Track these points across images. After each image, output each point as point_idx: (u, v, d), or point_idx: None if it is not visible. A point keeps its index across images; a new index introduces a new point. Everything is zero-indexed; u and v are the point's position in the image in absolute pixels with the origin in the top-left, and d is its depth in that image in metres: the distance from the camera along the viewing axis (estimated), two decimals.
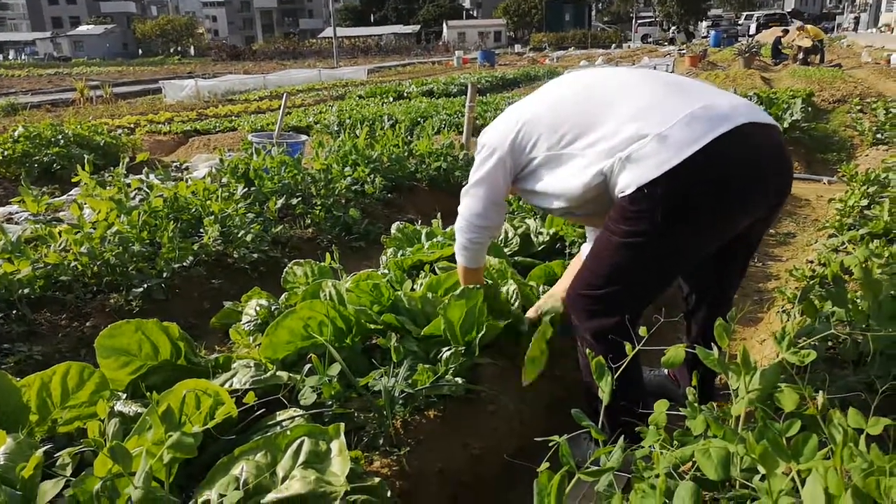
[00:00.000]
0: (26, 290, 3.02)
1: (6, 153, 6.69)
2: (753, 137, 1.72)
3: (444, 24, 68.34)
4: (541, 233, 3.42)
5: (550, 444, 1.25)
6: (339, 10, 70.72)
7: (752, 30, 39.52)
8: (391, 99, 14.59)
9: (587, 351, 1.86)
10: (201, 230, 3.85)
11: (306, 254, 4.02)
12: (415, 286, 2.71)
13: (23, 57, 64.66)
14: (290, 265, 3.02)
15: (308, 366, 2.01)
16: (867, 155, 6.79)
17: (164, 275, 3.37)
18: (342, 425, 1.56)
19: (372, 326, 2.34)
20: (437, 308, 2.28)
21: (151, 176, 4.30)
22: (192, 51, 66.17)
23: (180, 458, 1.38)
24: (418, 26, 71.25)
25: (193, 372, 1.94)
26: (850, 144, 7.90)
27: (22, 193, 3.42)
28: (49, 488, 1.38)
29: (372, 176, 5.18)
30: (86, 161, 3.76)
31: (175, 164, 7.45)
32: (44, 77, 34.36)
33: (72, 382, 1.74)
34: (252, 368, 1.95)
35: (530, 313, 2.49)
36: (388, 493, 1.59)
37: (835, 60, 19.33)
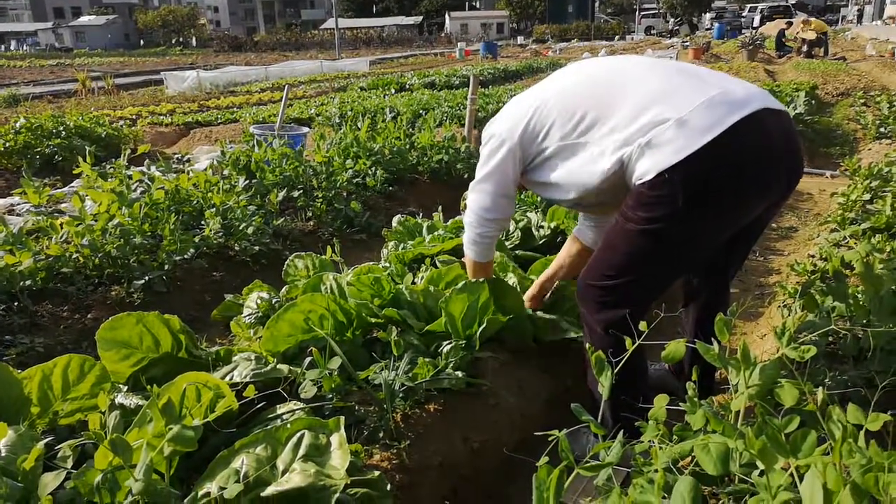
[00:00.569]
0: (28, 282, 3.02)
1: (8, 144, 6.69)
2: (768, 123, 1.74)
3: (447, 16, 68.07)
4: (542, 226, 3.41)
5: (550, 439, 1.25)
6: (342, 1, 70.38)
7: (756, 22, 39.26)
8: (393, 91, 14.56)
9: (587, 345, 1.87)
10: (203, 222, 3.85)
11: (307, 246, 4.02)
12: (416, 280, 2.71)
13: (24, 48, 64.52)
14: (291, 258, 3.02)
15: (309, 359, 2.02)
16: (870, 149, 6.76)
17: (166, 267, 3.38)
18: (342, 419, 1.56)
19: (373, 320, 2.34)
20: (438, 302, 2.28)
21: (153, 168, 4.30)
22: (193, 41, 66.02)
23: (181, 450, 1.38)
24: (420, 17, 71.00)
25: (194, 365, 1.94)
26: (854, 138, 7.87)
27: (23, 185, 3.41)
28: (50, 480, 1.38)
29: (373, 168, 5.17)
30: (87, 153, 3.76)
31: (176, 155, 7.43)
32: (45, 68, 34.34)
33: (73, 375, 1.75)
34: (253, 361, 1.96)
35: (526, 304, 2.49)
36: (388, 487, 1.59)
37: (839, 53, 19.24)
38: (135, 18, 74.28)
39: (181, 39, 68.51)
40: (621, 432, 1.33)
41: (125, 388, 1.87)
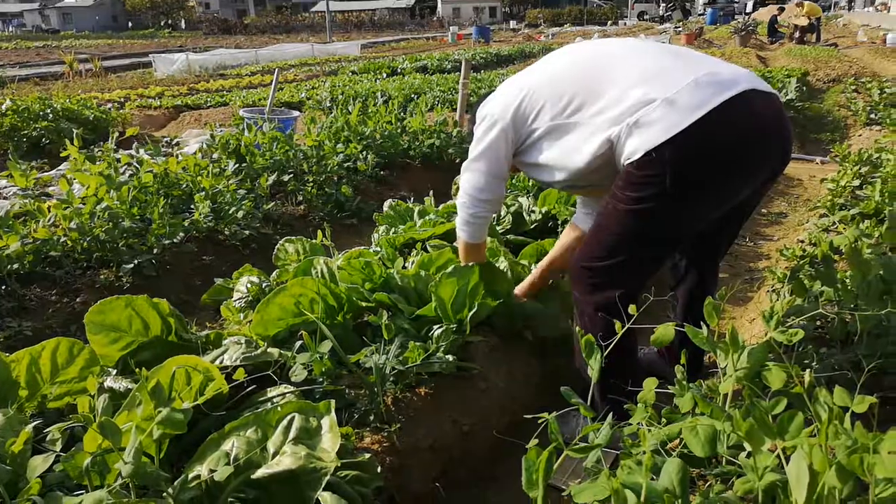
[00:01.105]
0: (16, 266, 3.00)
1: None
2: (756, 103, 1.74)
3: None
4: (533, 211, 3.41)
5: (539, 421, 1.26)
6: None
7: (749, 7, 39.19)
8: (384, 75, 14.46)
9: (577, 329, 1.87)
10: (192, 206, 3.82)
11: (298, 231, 4.00)
12: (407, 264, 2.71)
13: (10, 29, 63.60)
14: (281, 242, 3.00)
15: (299, 343, 2.02)
16: (860, 135, 6.79)
17: (155, 251, 3.36)
18: (333, 402, 1.56)
19: (363, 304, 2.34)
20: (429, 286, 2.28)
21: (141, 151, 4.26)
22: (182, 24, 65.21)
23: (170, 433, 1.38)
24: (413, 1, 70.38)
25: (184, 348, 1.93)
26: (844, 124, 7.89)
27: (10, 168, 3.37)
28: (39, 463, 1.38)
29: (364, 153, 5.14)
30: (75, 135, 3.71)
31: (166, 139, 7.38)
32: (32, 50, 33.84)
33: (61, 358, 1.73)
34: (243, 345, 1.95)
35: (517, 291, 2.50)
36: (379, 469, 1.60)
37: (831, 39, 19.24)
38: (123, 0, 73.27)
39: (170, 22, 67.64)
40: (610, 415, 1.34)
41: (114, 372, 1.86)
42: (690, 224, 1.86)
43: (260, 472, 1.42)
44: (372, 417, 1.84)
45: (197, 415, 1.58)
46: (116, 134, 4.31)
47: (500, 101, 2.01)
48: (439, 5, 67.08)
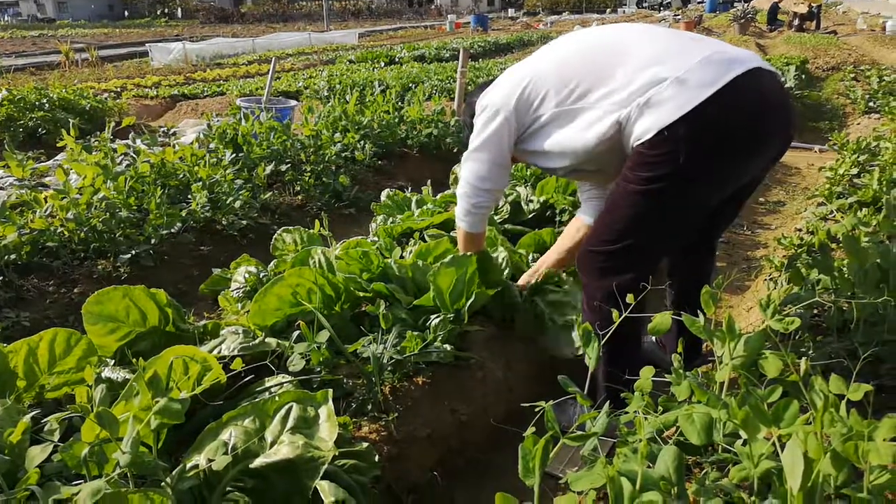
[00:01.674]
0: (13, 256, 3.00)
1: None
2: (763, 81, 1.76)
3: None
4: (531, 200, 3.41)
5: (536, 410, 1.26)
6: None
7: None
8: (382, 64, 14.39)
9: (577, 318, 1.87)
10: (189, 196, 3.82)
11: (295, 221, 4.00)
12: (404, 254, 2.70)
13: (6, 18, 63.16)
14: (279, 232, 3.00)
15: (297, 332, 2.02)
16: (859, 123, 6.78)
17: (152, 241, 3.35)
18: (330, 391, 1.57)
19: (361, 294, 2.34)
20: (426, 275, 2.28)
21: (138, 141, 4.24)
22: (179, 13, 64.75)
23: (168, 423, 1.38)
24: None
25: (181, 338, 1.94)
26: (843, 113, 7.88)
27: (6, 158, 3.36)
28: (37, 453, 1.38)
29: (362, 142, 5.13)
30: (71, 125, 3.70)
31: (162, 129, 7.35)
32: (27, 39, 33.62)
33: (59, 349, 1.74)
34: (240, 335, 1.95)
35: (521, 281, 2.50)
36: (376, 458, 1.61)
37: (830, 27, 19.17)
38: None
39: (167, 10, 67.18)
40: (607, 403, 1.34)
41: (112, 362, 1.86)
42: (699, 205, 1.86)
43: (258, 462, 1.43)
44: (370, 407, 1.85)
45: (195, 404, 1.58)
46: (113, 124, 4.29)
47: (502, 89, 2.00)
48: None
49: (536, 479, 1.15)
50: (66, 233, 3.22)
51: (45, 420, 1.56)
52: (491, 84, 2.12)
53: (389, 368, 1.97)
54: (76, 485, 1.30)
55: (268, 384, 1.78)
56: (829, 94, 8.58)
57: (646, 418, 1.22)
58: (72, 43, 19.34)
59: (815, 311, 2.14)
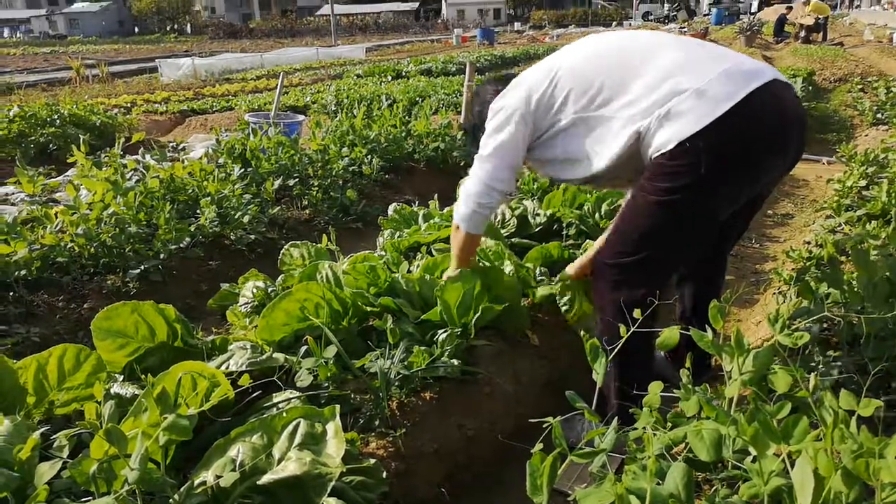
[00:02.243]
0: (23, 272, 3.02)
1: (1, 133, 6.64)
2: (781, 93, 1.79)
3: (444, 2, 67.53)
4: (538, 214, 3.41)
5: (544, 426, 1.26)
6: None
7: (755, 7, 39.12)
8: (389, 78, 14.48)
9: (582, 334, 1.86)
10: (198, 211, 3.84)
11: (303, 235, 4.01)
12: (412, 268, 2.70)
13: (18, 35, 63.94)
14: (286, 247, 3.01)
15: (304, 348, 2.02)
16: (867, 135, 6.76)
17: (161, 256, 3.37)
18: (338, 407, 1.57)
19: (368, 308, 2.34)
20: (433, 290, 2.28)
21: (148, 156, 4.28)
22: (188, 28, 65.46)
23: (176, 439, 1.38)
24: (417, 3, 70.47)
25: (190, 354, 1.94)
26: (850, 124, 7.86)
27: (18, 174, 3.40)
28: (46, 470, 1.39)
29: (369, 157, 5.15)
30: (81, 141, 3.74)
31: (172, 144, 7.41)
32: (39, 55, 34.05)
33: (68, 364, 1.74)
34: (248, 350, 1.96)
35: (570, 271, 2.44)
36: (384, 474, 1.60)
37: (837, 38, 19.17)
38: (129, 5, 73.55)
39: (176, 26, 67.95)
40: (615, 419, 1.34)
41: (121, 378, 1.87)
42: (713, 216, 1.88)
43: (266, 478, 1.43)
44: (377, 422, 1.84)
45: (203, 420, 1.58)
46: (123, 139, 4.33)
47: (518, 93, 1.99)
48: (444, 8, 67.14)
49: (545, 497, 1.15)
50: (76, 248, 3.24)
51: (54, 436, 1.56)
52: (505, 82, 2.11)
53: (397, 384, 1.97)
54: (85, 501, 1.31)
55: (275, 400, 1.78)
56: (836, 106, 8.56)
57: (654, 434, 1.21)
58: (82, 59, 19.56)
59: (825, 326, 2.13)
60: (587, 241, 3.00)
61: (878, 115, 7.39)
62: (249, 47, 33.68)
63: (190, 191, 4.06)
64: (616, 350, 1.49)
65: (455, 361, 2.09)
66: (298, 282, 2.42)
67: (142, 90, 14.56)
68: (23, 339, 2.66)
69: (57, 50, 39.01)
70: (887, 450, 0.92)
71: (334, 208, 4.49)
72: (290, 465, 1.43)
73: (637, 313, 1.45)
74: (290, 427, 1.52)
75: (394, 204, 3.60)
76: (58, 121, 7.16)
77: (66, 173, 5.63)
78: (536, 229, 3.34)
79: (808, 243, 3.37)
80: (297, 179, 4.66)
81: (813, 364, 1.79)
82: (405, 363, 2.01)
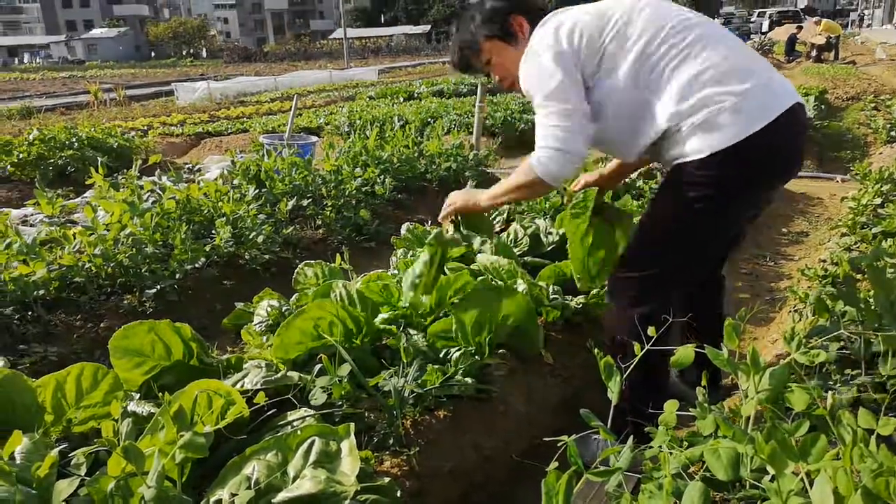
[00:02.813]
0: (41, 292, 3.05)
1: (21, 156, 6.76)
2: (800, 116, 1.84)
3: (454, 24, 68.09)
4: (550, 233, 3.41)
5: (559, 444, 1.25)
6: (350, 12, 70.84)
7: (765, 27, 39.17)
8: (402, 99, 14.62)
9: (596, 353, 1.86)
10: (213, 231, 3.88)
11: (317, 255, 4.03)
12: None
13: (37, 60, 65.27)
14: (300, 266, 3.03)
15: (318, 366, 2.02)
16: (881, 153, 6.72)
17: (177, 276, 3.40)
18: (352, 425, 1.57)
19: (382, 327, 2.35)
20: (447, 309, 2.28)
21: (164, 178, 4.34)
22: (203, 53, 66.52)
23: (192, 457, 1.39)
24: (428, 26, 71.24)
25: (205, 372, 1.95)
26: (864, 142, 7.83)
27: (37, 196, 3.46)
28: (64, 487, 1.40)
29: (382, 177, 5.19)
30: (99, 163, 3.80)
31: (187, 165, 7.50)
32: (58, 80, 34.70)
33: (86, 383, 1.76)
34: (263, 369, 1.97)
35: (587, 178, 2.37)
36: (399, 493, 1.60)
37: (849, 57, 19.15)
38: (146, 31, 75.02)
39: (192, 51, 69.09)
40: (631, 438, 1.33)
41: (137, 396, 1.88)
42: (728, 228, 1.93)
43: (280, 496, 1.43)
44: (391, 441, 1.84)
45: (218, 438, 1.59)
46: (140, 161, 4.40)
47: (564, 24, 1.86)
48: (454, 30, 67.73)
49: None
50: (93, 268, 3.28)
51: (72, 454, 1.58)
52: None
53: (411, 402, 1.97)
54: None
55: (290, 418, 1.78)
56: (849, 124, 8.53)
57: (671, 453, 1.21)
58: (100, 83, 19.90)
59: (841, 344, 2.11)
60: None
61: (892, 133, 7.36)
62: (264, 70, 34.14)
63: (205, 211, 4.11)
64: (631, 368, 1.49)
65: (469, 380, 2.09)
66: (312, 300, 2.44)
67: (158, 113, 14.79)
68: (41, 358, 2.69)
69: (75, 75, 39.75)
70: None
71: (347, 228, 4.51)
72: (306, 483, 1.43)
73: (651, 331, 1.45)
74: (305, 445, 1.53)
75: (406, 223, 3.61)
76: (76, 144, 7.27)
77: (84, 195, 5.72)
78: (549, 248, 3.35)
79: (824, 261, 3.35)
80: (310, 199, 4.70)
81: (830, 382, 1.77)
82: (419, 381, 2.01)
